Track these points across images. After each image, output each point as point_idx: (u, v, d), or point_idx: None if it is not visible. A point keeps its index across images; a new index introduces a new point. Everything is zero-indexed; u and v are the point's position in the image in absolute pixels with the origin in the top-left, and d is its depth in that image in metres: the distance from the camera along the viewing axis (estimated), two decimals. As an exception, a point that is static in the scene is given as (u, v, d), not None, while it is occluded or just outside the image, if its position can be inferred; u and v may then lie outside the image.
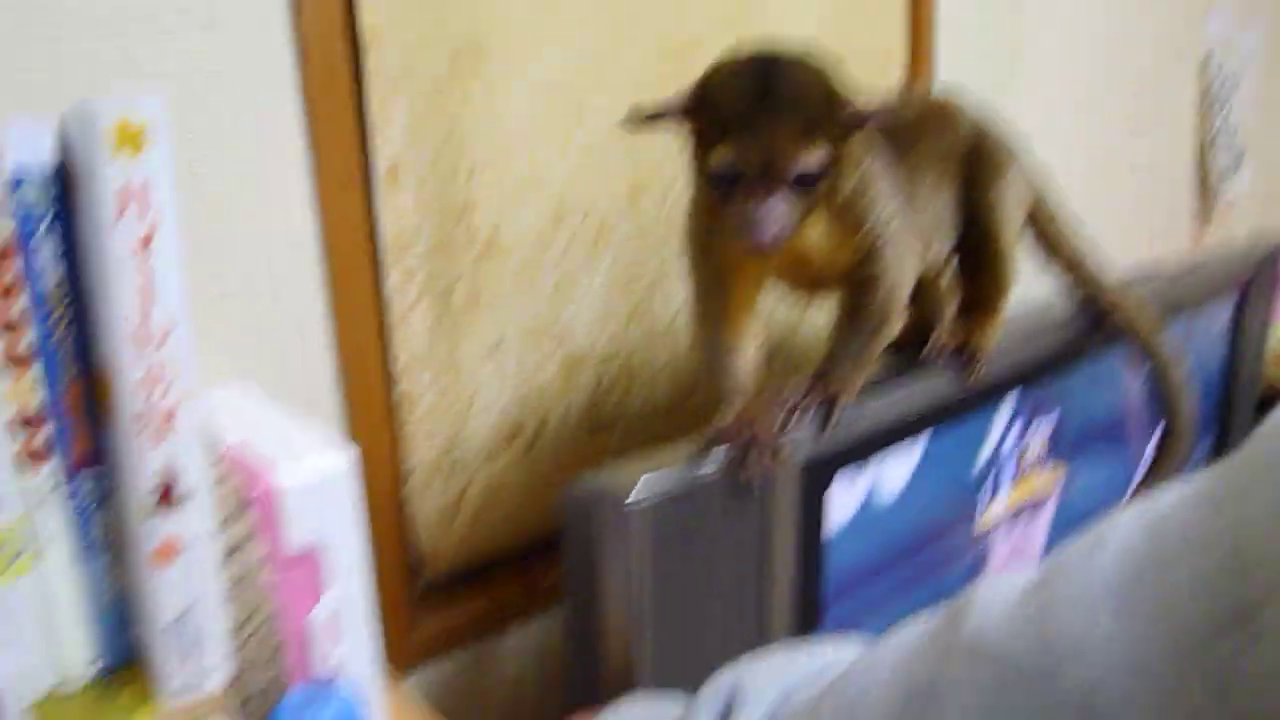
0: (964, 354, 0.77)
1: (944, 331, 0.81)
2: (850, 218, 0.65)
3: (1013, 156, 0.81)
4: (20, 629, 0.46)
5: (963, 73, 1.24)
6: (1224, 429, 1.30)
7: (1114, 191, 1.60)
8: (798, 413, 0.64)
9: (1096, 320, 0.91)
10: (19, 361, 0.44)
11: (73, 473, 0.47)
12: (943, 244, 0.78)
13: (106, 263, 0.41)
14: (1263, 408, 1.39)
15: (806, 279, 0.72)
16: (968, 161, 0.78)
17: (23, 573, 0.46)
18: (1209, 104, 1.72)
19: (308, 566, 0.56)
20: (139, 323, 0.42)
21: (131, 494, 0.44)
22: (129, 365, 0.42)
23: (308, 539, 0.55)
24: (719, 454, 0.61)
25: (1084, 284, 0.90)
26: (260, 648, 0.53)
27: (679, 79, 0.62)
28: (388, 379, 0.79)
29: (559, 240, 0.88)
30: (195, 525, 0.45)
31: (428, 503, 0.84)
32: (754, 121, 0.56)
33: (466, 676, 0.89)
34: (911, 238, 0.70)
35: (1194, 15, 1.65)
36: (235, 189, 0.69)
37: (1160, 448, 0.88)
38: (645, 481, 0.56)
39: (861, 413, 0.68)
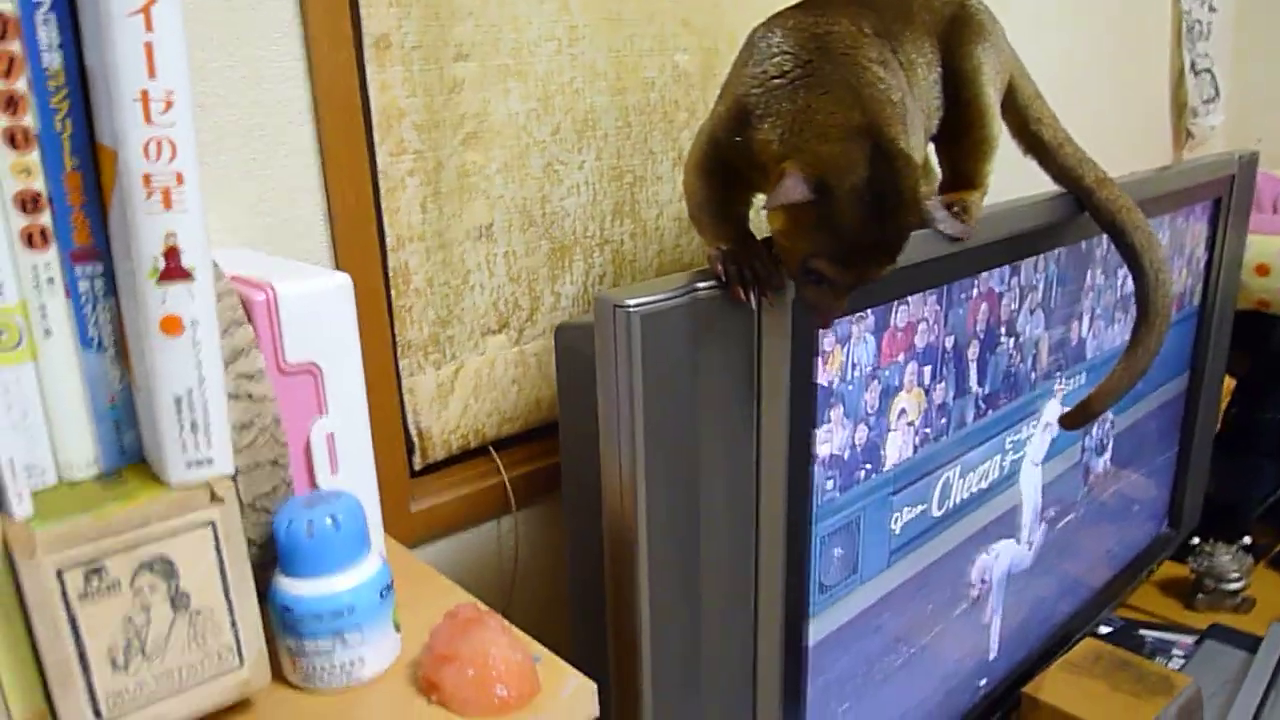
0: (956, 211, 0.78)
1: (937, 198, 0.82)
2: None
3: (991, 25, 0.82)
4: (23, 414, 0.46)
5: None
6: (1202, 336, 1.32)
7: (1093, 116, 1.61)
8: None
9: (1079, 202, 0.92)
10: (20, 142, 0.44)
11: (73, 264, 0.47)
12: (936, 119, 0.79)
13: (109, 29, 0.42)
14: (1242, 320, 1.42)
15: None
16: (948, 33, 0.79)
17: (24, 360, 0.46)
18: (1181, 35, 1.75)
19: (307, 382, 0.57)
20: (142, 88, 0.42)
21: (137, 265, 0.44)
22: (133, 131, 0.43)
23: (307, 353, 0.56)
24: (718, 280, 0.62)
25: (1066, 166, 0.91)
26: (263, 453, 0.53)
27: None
28: (382, 252, 0.80)
29: (546, 126, 0.88)
30: (199, 303, 0.45)
31: (423, 379, 0.85)
32: (864, 258, 0.59)
33: (465, 556, 0.90)
34: (918, 124, 0.72)
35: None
36: (225, 52, 0.69)
37: (1136, 329, 0.89)
38: (647, 295, 0.58)
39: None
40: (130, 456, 0.51)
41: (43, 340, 0.47)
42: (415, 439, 0.86)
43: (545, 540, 0.95)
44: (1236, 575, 1.38)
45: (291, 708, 0.52)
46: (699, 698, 0.68)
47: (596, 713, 0.52)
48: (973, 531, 0.95)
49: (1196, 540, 1.41)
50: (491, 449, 0.91)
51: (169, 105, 0.43)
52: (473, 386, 0.89)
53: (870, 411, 0.77)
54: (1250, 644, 1.21)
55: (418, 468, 0.86)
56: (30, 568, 0.42)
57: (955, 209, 0.79)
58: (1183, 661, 1.19)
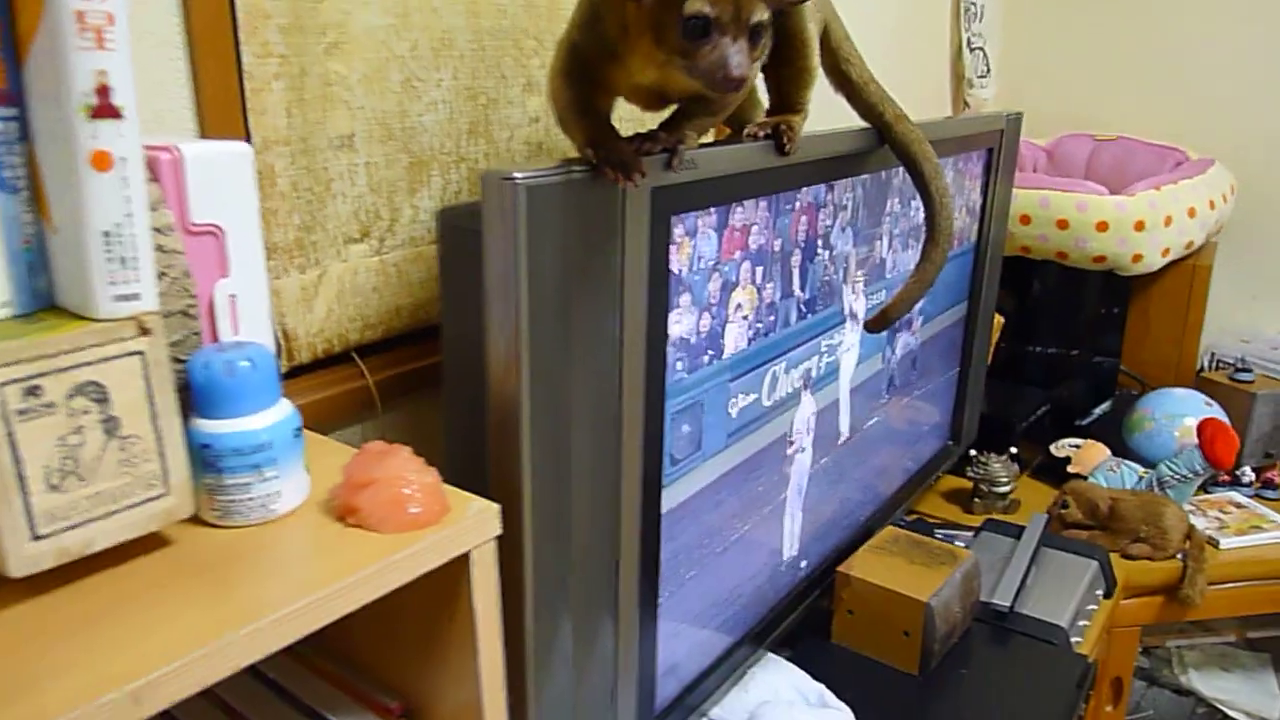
0: (779, 134, 0.89)
1: (759, 122, 0.93)
2: None
3: None
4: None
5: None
6: (977, 274, 1.52)
7: (888, 84, 1.79)
8: (649, 145, 0.74)
9: (880, 135, 1.06)
10: (-62, -24, 0.45)
11: (-12, 105, 0.49)
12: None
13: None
14: (1008, 263, 1.63)
15: (658, 99, 0.82)
16: None
17: (-59, 196, 0.47)
18: (960, 15, 1.97)
19: (210, 243, 0.59)
20: (76, -76, 0.45)
21: (67, 102, 0.46)
22: (66, -34, 0.45)
23: (210, 215, 0.59)
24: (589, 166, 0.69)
25: (870, 103, 1.03)
26: (175, 303, 0.56)
27: None
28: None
29: (405, 42, 0.92)
30: (128, 140, 0.48)
31: (288, 282, 0.87)
32: None
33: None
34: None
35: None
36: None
37: (924, 245, 1.01)
38: (532, 170, 0.64)
39: (703, 165, 0.79)
40: (43, 301, 0.52)
41: (-42, 179, 0.48)
42: (281, 341, 0.88)
43: (408, 442, 0.99)
44: (1005, 480, 1.59)
45: (211, 539, 0.55)
46: (569, 558, 0.75)
47: (500, 530, 0.59)
48: (794, 424, 1.07)
49: (974, 453, 1.62)
50: (354, 354, 0.95)
51: (104, -54, 0.46)
52: (336, 292, 0.92)
53: (713, 302, 0.87)
54: (1016, 532, 1.42)
55: (283, 370, 0.89)
56: (-30, 381, 0.44)
57: (782, 128, 0.89)
58: (964, 546, 1.38)
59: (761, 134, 0.89)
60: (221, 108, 0.79)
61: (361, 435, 0.96)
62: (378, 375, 0.95)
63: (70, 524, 0.49)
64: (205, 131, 0.79)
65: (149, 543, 0.53)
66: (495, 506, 0.58)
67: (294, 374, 0.90)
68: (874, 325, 1.04)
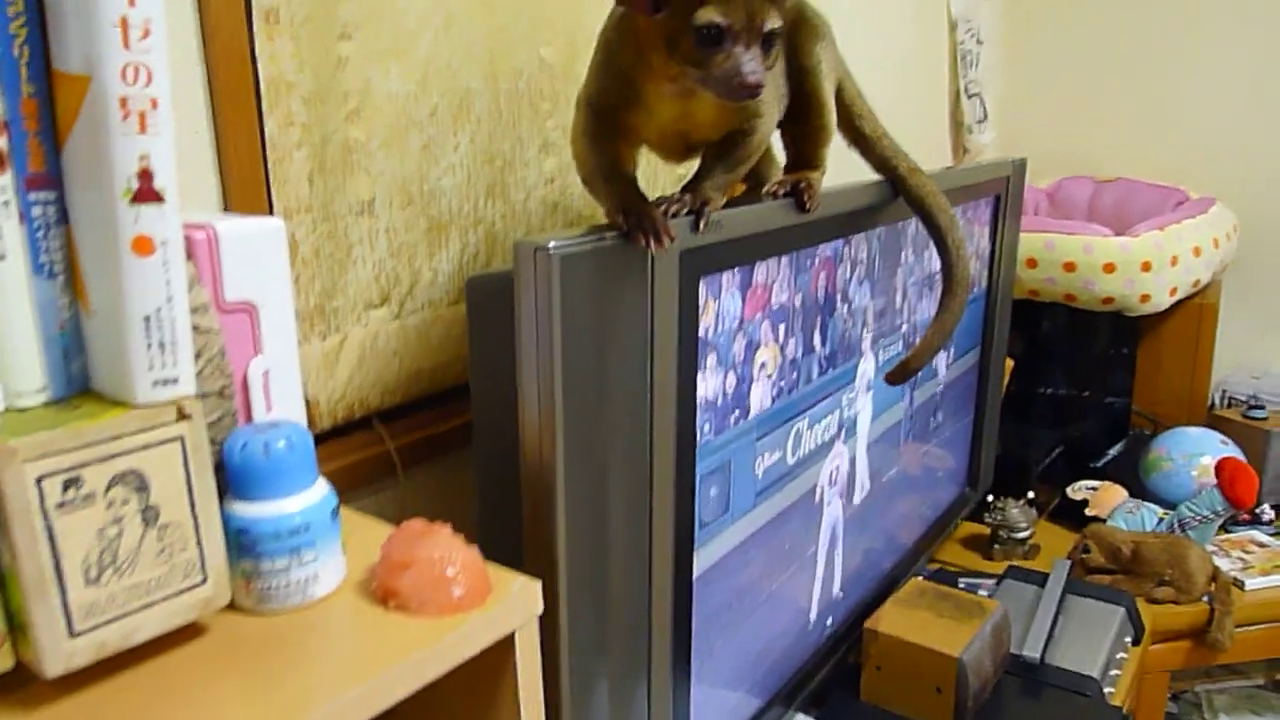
0: (798, 191, 0.89)
1: (778, 180, 0.93)
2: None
3: (826, 30, 0.93)
4: (-23, 339, 0.46)
5: None
6: (988, 320, 1.52)
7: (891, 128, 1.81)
8: (675, 206, 0.74)
9: (894, 188, 1.06)
10: (-23, 65, 0.45)
11: (27, 190, 0.48)
12: (783, 106, 0.89)
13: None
14: (1020, 307, 1.63)
15: (681, 145, 0.82)
16: (791, 34, 0.90)
17: (-23, 284, 0.46)
18: (957, 63, 1.99)
19: (244, 320, 0.59)
20: (123, 15, 0.44)
21: (110, 187, 0.46)
22: (112, 55, 0.44)
23: (244, 292, 0.58)
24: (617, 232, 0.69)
25: (883, 156, 1.03)
26: (211, 383, 0.55)
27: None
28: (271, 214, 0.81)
29: (424, 105, 0.93)
30: (169, 224, 0.47)
31: (310, 349, 0.86)
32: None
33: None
34: (774, 102, 0.84)
35: (944, -16, 1.91)
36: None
37: (943, 297, 1.01)
38: (563, 239, 0.64)
39: (727, 226, 0.78)
40: (76, 385, 0.51)
41: (-4, 265, 0.47)
42: (304, 408, 0.87)
43: (427, 510, 0.98)
44: (1024, 526, 1.58)
45: (248, 627, 0.54)
46: (604, 627, 0.74)
47: (542, 608, 0.57)
48: (818, 480, 1.06)
49: (991, 498, 1.61)
50: (375, 420, 0.94)
51: (147, 33, 0.46)
52: (357, 358, 0.91)
53: (738, 361, 0.86)
54: (1040, 579, 1.40)
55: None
56: (11, 475, 0.43)
57: (801, 185, 0.89)
58: (989, 595, 1.36)
59: (781, 192, 0.89)
60: (245, 178, 0.79)
61: (380, 503, 0.94)
62: (398, 441, 0.94)
63: (108, 618, 0.47)
64: (229, 202, 0.78)
65: (185, 633, 0.52)
66: (537, 584, 0.57)
67: (315, 441, 0.89)
68: (895, 377, 1.03)
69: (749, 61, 0.65)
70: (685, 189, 0.78)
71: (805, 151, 0.93)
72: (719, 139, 0.80)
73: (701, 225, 0.75)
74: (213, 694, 0.47)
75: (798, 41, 0.89)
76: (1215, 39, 1.99)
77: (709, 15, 0.65)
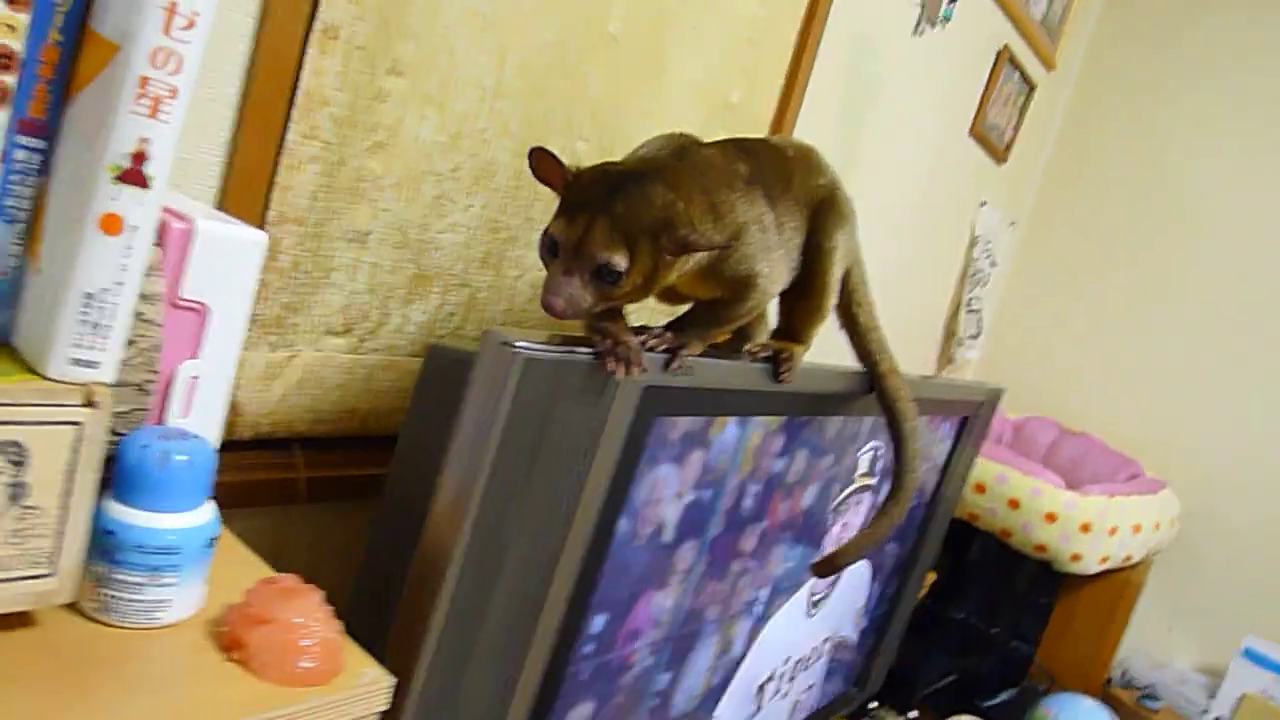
0: (778, 360, 0.89)
1: (761, 341, 0.93)
2: (724, 273, 0.78)
3: (851, 216, 0.95)
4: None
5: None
6: (924, 529, 1.52)
7: (886, 321, 1.84)
8: (654, 341, 0.73)
9: (870, 381, 1.06)
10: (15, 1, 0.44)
11: (17, 131, 0.47)
12: (791, 275, 0.89)
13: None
14: (955, 527, 1.64)
15: (671, 295, 0.83)
16: (817, 211, 0.91)
17: (-68, 206, 0.44)
18: (967, 278, 2.04)
19: (193, 319, 0.57)
20: (172, 1, 0.44)
21: (99, 157, 0.44)
22: (148, 35, 0.44)
23: (201, 292, 0.56)
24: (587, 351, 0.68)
25: (869, 350, 1.04)
26: (134, 375, 0.53)
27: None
28: (261, 221, 0.80)
29: (449, 160, 0.93)
30: (146, 212, 0.46)
31: (255, 355, 0.84)
32: (585, 212, 0.67)
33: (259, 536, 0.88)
34: (783, 265, 0.85)
35: (971, 203, 1.97)
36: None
37: (886, 500, 1.00)
38: (534, 342, 0.63)
39: (698, 374, 0.78)
40: (3, 333, 0.49)
41: (-42, 195, 0.46)
42: (222, 421, 0.84)
43: (315, 544, 0.94)
44: (898, 744, 1.55)
45: (80, 632, 0.50)
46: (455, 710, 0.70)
47: (387, 706, 0.54)
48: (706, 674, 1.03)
49: (874, 705, 1.58)
50: (297, 445, 0.91)
51: (191, 24, 0.45)
52: (298, 379, 0.88)
53: (661, 526, 0.84)
54: (897, 805, 1.36)
55: (224, 441, 0.84)
56: (-115, 412, 0.40)
57: (783, 355, 0.90)
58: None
59: (762, 355, 0.89)
60: (250, 175, 0.78)
61: (271, 528, 0.91)
62: (310, 472, 0.91)
63: (-67, 585, 0.44)
64: (226, 189, 0.77)
65: (11, 620, 0.48)
66: (390, 680, 0.54)
67: (227, 448, 0.86)
68: (821, 569, 1.01)
69: (564, 285, 0.67)
70: (669, 326, 0.78)
71: (796, 325, 0.94)
72: (710, 298, 0.81)
73: (675, 365, 0.75)
74: (19, 697, 0.44)
75: (821, 221, 0.90)
76: (1200, 333, 2.06)
77: (551, 225, 0.68)
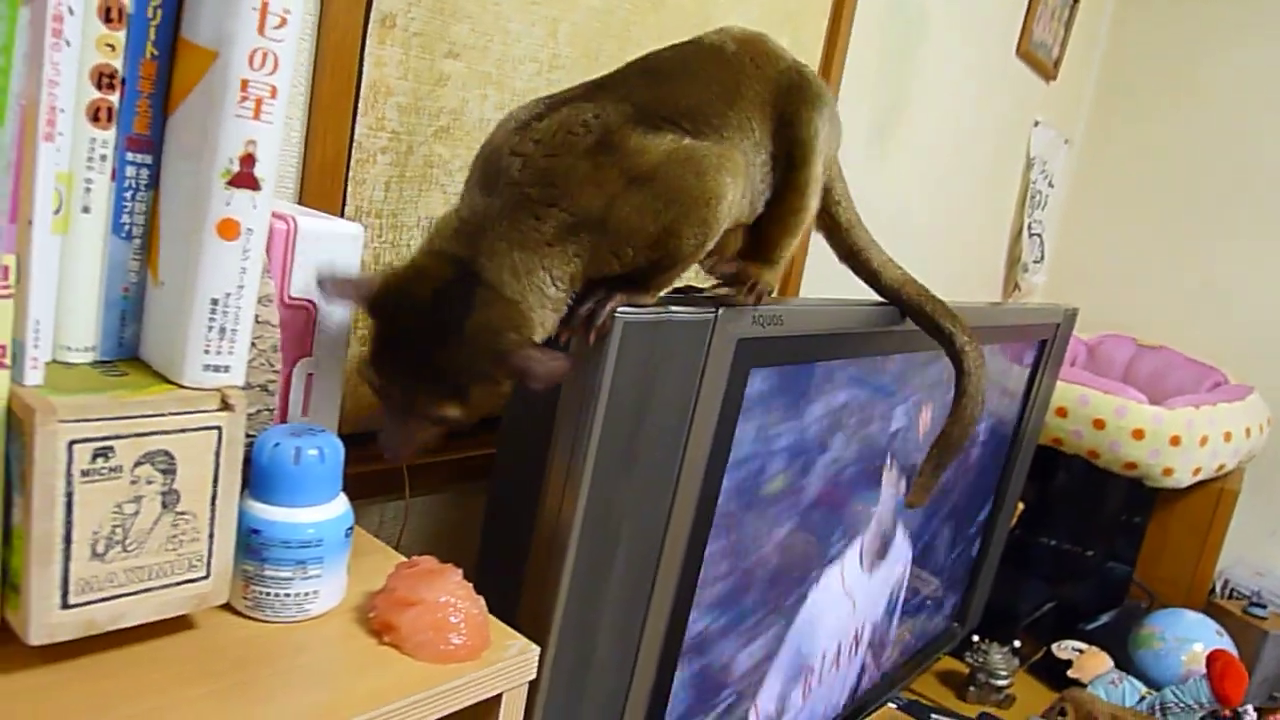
0: (743, 283, 0.72)
1: (724, 260, 0.75)
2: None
3: (829, 97, 0.74)
4: (45, 282, 0.45)
5: (856, 106, 1.40)
6: (1009, 459, 1.50)
7: (949, 252, 1.81)
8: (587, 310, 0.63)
9: (893, 302, 0.91)
10: (113, 17, 0.44)
11: (126, 149, 0.47)
12: (761, 202, 0.73)
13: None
14: (1040, 454, 1.61)
15: None
16: (784, 100, 0.70)
17: (57, 230, 0.45)
18: (1026, 201, 2.00)
19: (303, 317, 0.58)
20: (264, 0, 0.44)
21: (210, 164, 0.45)
22: (244, 36, 0.44)
23: (309, 292, 0.57)
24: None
25: (854, 246, 0.88)
26: (257, 376, 0.54)
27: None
28: (340, 215, 0.81)
29: (512, 138, 0.92)
30: (259, 214, 0.46)
31: (351, 350, 0.85)
32: (400, 376, 0.57)
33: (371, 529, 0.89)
34: (731, 192, 0.66)
35: (1024, 125, 1.92)
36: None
37: (956, 395, 0.88)
38: (628, 309, 0.62)
39: (788, 323, 0.77)
40: (126, 351, 0.50)
41: (78, 215, 0.47)
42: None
43: (426, 531, 0.96)
44: (1004, 673, 1.54)
45: (238, 631, 0.52)
46: (579, 704, 0.71)
47: (534, 675, 0.55)
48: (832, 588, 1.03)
49: (975, 638, 1.57)
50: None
51: (284, 22, 0.45)
52: (389, 369, 0.90)
53: (769, 464, 0.84)
54: (1012, 734, 1.36)
55: (322, 438, 0.86)
56: (45, 435, 0.42)
57: (741, 284, 0.72)
58: (958, 741, 1.32)
59: (715, 283, 0.74)
60: (325, 172, 0.78)
61: (379, 519, 0.92)
62: (414, 459, 0.92)
63: (103, 596, 0.45)
64: (304, 191, 0.78)
65: (174, 624, 0.50)
66: (535, 649, 0.55)
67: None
68: (914, 501, 0.97)
69: (397, 437, 0.59)
70: (610, 281, 0.64)
71: (766, 236, 0.74)
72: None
73: (590, 336, 0.62)
74: (185, 696, 0.45)
75: (793, 109, 0.70)
76: (1270, 231, 2.00)
77: (370, 375, 0.58)
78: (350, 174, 0.81)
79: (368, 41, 0.78)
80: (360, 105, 0.79)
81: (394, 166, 0.84)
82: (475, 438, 0.97)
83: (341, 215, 0.81)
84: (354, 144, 0.80)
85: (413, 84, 0.83)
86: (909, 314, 0.92)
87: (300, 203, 0.78)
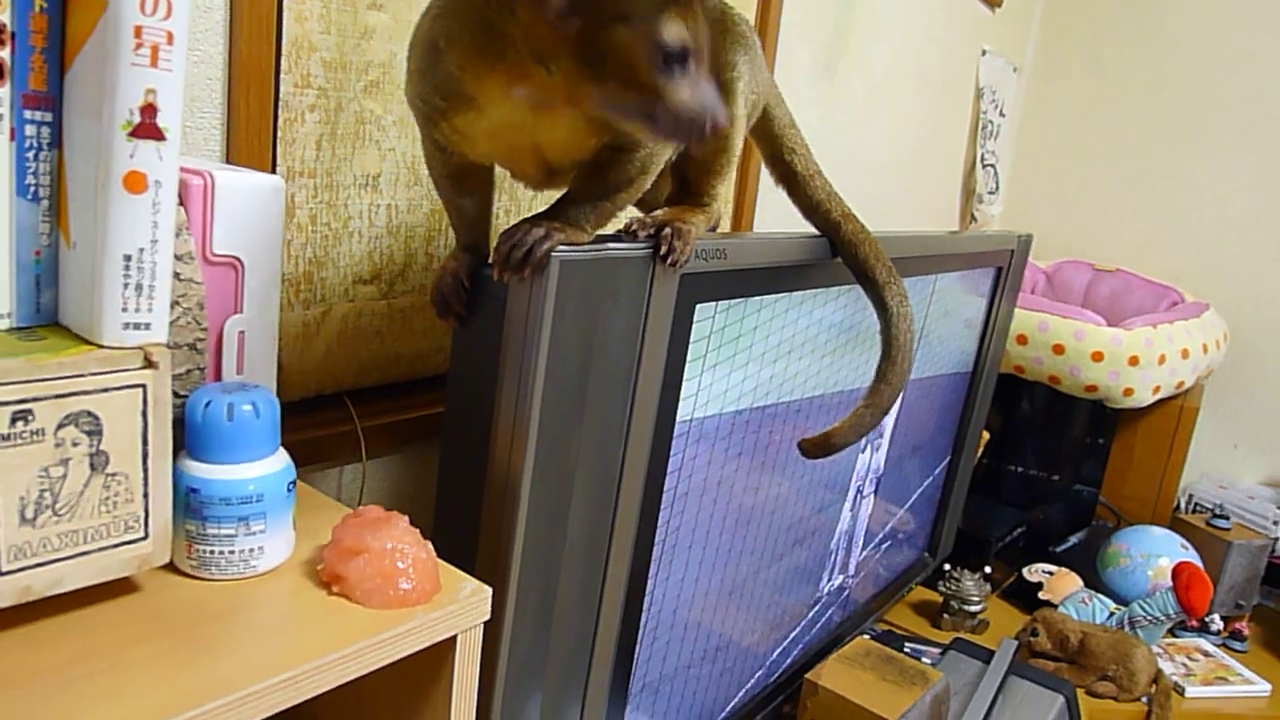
0: (660, 235, 0.69)
1: (642, 217, 0.72)
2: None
3: (753, 39, 0.75)
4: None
5: (799, 42, 1.39)
6: (972, 389, 1.51)
7: (903, 190, 1.81)
8: (506, 247, 0.61)
9: (828, 236, 0.89)
10: (-7, -30, 0.43)
11: (23, 107, 0.46)
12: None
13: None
14: (1003, 382, 1.63)
15: (537, 165, 0.67)
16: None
17: (-43, 196, 0.44)
18: (978, 131, 2.00)
19: (229, 275, 0.57)
20: (149, -60, 0.43)
21: (110, 117, 0.44)
22: (132, -20, 0.43)
23: (232, 247, 0.56)
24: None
25: (815, 199, 0.88)
26: (184, 335, 0.53)
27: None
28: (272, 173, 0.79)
29: (445, 90, 0.91)
30: (166, 164, 0.45)
31: (291, 315, 0.84)
32: None
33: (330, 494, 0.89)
34: None
35: (972, 55, 1.92)
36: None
37: (881, 365, 0.85)
38: (564, 248, 0.62)
39: (732, 257, 0.77)
40: (45, 317, 0.49)
41: (-20, 180, 0.46)
42: (276, 375, 0.84)
43: (385, 496, 0.96)
44: (977, 599, 1.57)
45: (183, 591, 0.51)
46: (546, 642, 0.72)
47: (489, 615, 0.55)
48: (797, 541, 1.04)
49: (947, 567, 1.60)
50: (346, 398, 0.91)
51: (174, -35, 0.44)
52: (338, 332, 0.89)
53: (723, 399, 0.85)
54: (985, 655, 1.39)
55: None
56: (-42, 399, 0.41)
57: (666, 231, 0.68)
58: (931, 665, 1.35)
59: (642, 233, 0.69)
60: (251, 133, 0.77)
61: (339, 483, 0.92)
62: (367, 422, 0.92)
63: (38, 561, 0.45)
64: (231, 154, 0.77)
65: (116, 588, 0.50)
66: (488, 590, 0.55)
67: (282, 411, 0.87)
68: (813, 450, 0.84)
69: (711, 90, 0.53)
70: (538, 217, 0.63)
71: (694, 181, 0.74)
72: (591, 158, 0.63)
73: (526, 272, 0.60)
74: (136, 661, 0.45)
75: (715, 49, 0.66)
76: (1222, 150, 2.01)
77: (679, 31, 0.51)
78: (278, 134, 0.79)
79: (285, -5, 0.77)
80: (283, 63, 0.78)
81: (324, 124, 0.82)
82: (429, 395, 0.97)
83: (274, 170, 0.79)
84: (279, 103, 0.78)
85: (336, 39, 0.81)
86: (844, 257, 0.89)
87: (227, 162, 0.76)
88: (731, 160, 0.75)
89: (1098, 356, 1.66)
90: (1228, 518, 1.79)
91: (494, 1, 0.54)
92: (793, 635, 1.17)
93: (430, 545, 0.54)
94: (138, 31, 0.44)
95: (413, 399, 0.96)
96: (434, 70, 0.59)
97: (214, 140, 0.75)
